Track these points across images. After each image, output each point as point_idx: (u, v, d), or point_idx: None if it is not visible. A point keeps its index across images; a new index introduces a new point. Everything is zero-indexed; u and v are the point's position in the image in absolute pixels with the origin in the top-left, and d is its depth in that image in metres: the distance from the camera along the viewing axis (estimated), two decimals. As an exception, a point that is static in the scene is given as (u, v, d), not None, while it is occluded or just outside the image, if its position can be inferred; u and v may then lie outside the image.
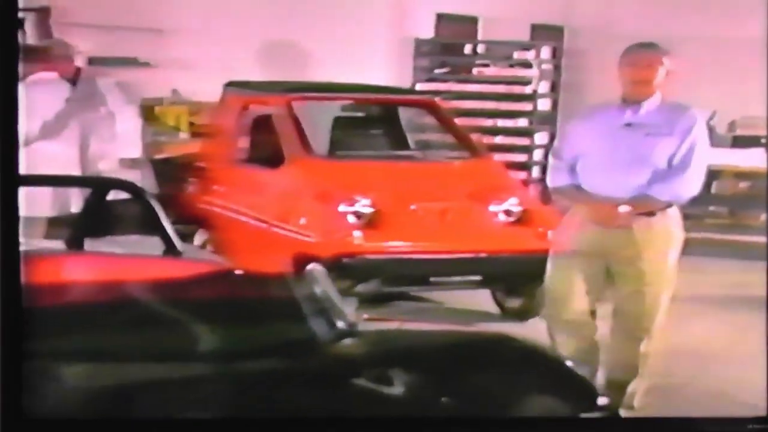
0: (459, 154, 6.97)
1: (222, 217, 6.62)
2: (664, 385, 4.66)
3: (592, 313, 4.27)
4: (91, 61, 7.01)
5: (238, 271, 3.52)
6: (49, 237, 5.08)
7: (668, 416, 3.53)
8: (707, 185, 8.77)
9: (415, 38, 10.30)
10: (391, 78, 9.39)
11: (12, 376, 2.42)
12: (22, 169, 5.96)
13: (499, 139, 9.77)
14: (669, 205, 4.15)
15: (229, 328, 2.99)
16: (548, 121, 10.23)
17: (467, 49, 10.55)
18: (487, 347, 3.26)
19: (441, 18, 10.54)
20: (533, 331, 4.47)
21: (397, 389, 2.87)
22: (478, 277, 6.24)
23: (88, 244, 3.63)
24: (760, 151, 9.02)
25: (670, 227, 4.18)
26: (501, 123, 10.06)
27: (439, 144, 7.77)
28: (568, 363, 3.36)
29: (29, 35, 8.60)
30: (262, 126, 6.76)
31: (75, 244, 3.65)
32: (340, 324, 3.05)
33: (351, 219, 6.03)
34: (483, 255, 6.12)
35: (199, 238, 6.64)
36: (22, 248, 3.43)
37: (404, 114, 7.64)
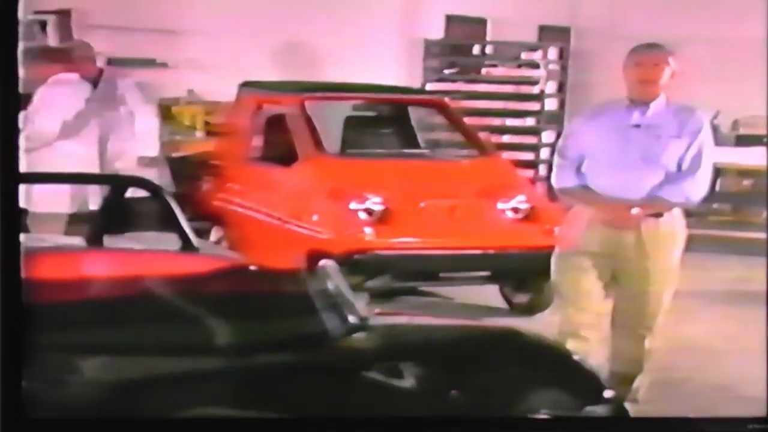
0: (468, 153, 6.97)
1: (237, 214, 6.62)
2: (667, 379, 4.65)
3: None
4: (111, 62, 7.04)
5: (252, 267, 3.53)
6: (69, 233, 5.09)
7: (668, 416, 3.50)
8: (712, 183, 8.78)
9: (425, 39, 10.29)
10: (402, 78, 9.38)
11: (12, 376, 2.39)
12: (44, 168, 6.00)
13: (507, 138, 9.76)
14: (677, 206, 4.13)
15: (243, 322, 3.00)
16: (555, 120, 10.20)
17: (476, 49, 10.54)
18: (495, 341, 3.26)
19: (450, 19, 10.52)
20: (541, 325, 4.47)
21: (407, 382, 2.87)
22: (486, 273, 6.24)
23: (107, 241, 3.64)
24: (763, 149, 8.98)
25: (675, 227, 4.16)
26: (509, 122, 10.05)
27: (449, 143, 7.77)
28: (575, 357, 3.36)
29: (51, 37, 8.64)
30: (275, 125, 6.76)
31: (94, 241, 3.66)
32: (352, 318, 3.06)
33: (362, 216, 6.03)
34: (491, 251, 6.11)
35: (214, 235, 6.65)
36: (42, 244, 3.44)
37: (414, 113, 7.63)
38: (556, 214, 5.91)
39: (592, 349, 4.03)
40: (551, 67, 10.30)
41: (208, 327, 2.96)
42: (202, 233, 5.82)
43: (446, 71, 10.38)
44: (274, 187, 6.52)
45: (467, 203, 6.23)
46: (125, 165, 5.84)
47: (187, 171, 6.89)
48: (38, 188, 5.53)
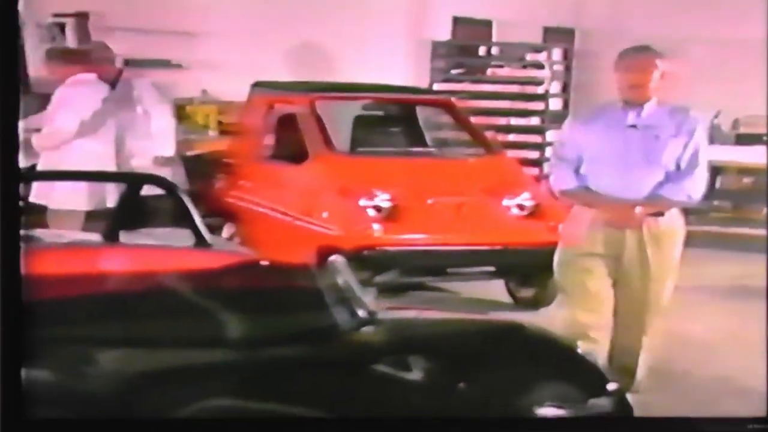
0: (474, 151, 6.95)
1: (249, 211, 6.63)
2: (668, 371, 4.64)
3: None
4: (127, 62, 7.04)
5: (264, 262, 3.54)
6: (86, 230, 5.10)
7: (669, 416, 3.49)
8: (712, 180, 8.75)
9: (433, 41, 10.28)
10: (410, 78, 9.37)
11: (12, 376, 2.38)
12: (62, 166, 6.00)
13: (512, 137, 9.74)
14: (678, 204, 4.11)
15: (255, 316, 3.00)
16: (559, 119, 10.13)
17: (482, 50, 10.53)
18: (500, 335, 3.26)
19: (457, 21, 10.51)
20: (545, 319, 4.46)
21: (415, 374, 2.87)
22: (492, 269, 6.23)
23: (124, 237, 3.65)
24: (762, 148, 8.95)
25: (675, 225, 4.14)
26: (514, 121, 10.04)
27: (456, 141, 7.75)
28: (579, 350, 3.36)
29: (69, 39, 8.66)
30: (286, 124, 6.77)
31: (111, 237, 3.67)
32: (361, 312, 3.06)
33: (371, 213, 6.03)
34: (497, 247, 6.11)
35: (227, 231, 6.66)
36: (62, 240, 3.45)
37: (422, 113, 7.62)
38: (561, 211, 5.89)
39: (601, 350, 4.00)
40: (555, 67, 10.28)
41: (220, 321, 2.96)
42: (215, 229, 5.82)
43: (453, 72, 10.37)
44: (285, 184, 6.52)
45: (474, 200, 6.22)
46: (141, 163, 5.84)
47: (201, 169, 6.90)
48: (58, 186, 5.55)
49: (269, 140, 6.92)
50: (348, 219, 6.05)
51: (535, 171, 9.33)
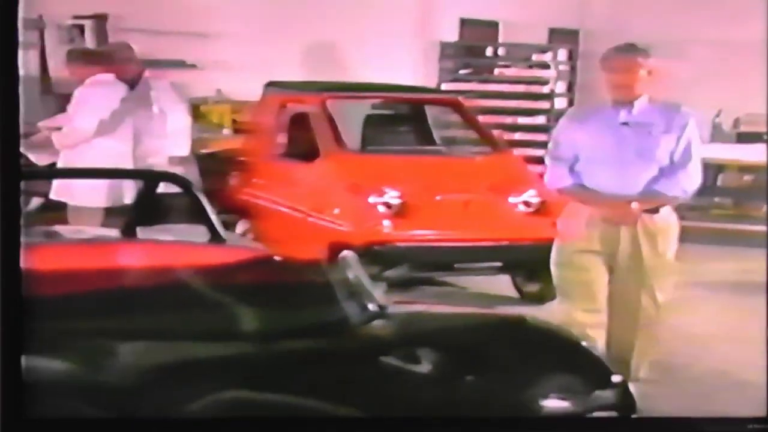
0: (481, 150, 6.95)
1: (262, 207, 6.64)
2: (669, 364, 4.63)
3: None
4: (143, 63, 7.05)
5: (276, 258, 3.54)
6: (105, 225, 5.12)
7: (669, 416, 3.47)
8: (713, 178, 8.73)
9: (441, 41, 10.27)
10: (419, 78, 9.36)
11: (12, 376, 2.36)
12: (82, 164, 6.00)
13: (518, 136, 9.70)
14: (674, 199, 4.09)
15: (268, 310, 3.01)
16: (565, 118, 10.16)
17: (489, 51, 10.51)
18: (507, 328, 3.26)
19: (464, 23, 10.50)
20: (551, 314, 4.45)
21: (423, 367, 2.88)
22: (498, 264, 6.22)
23: (141, 232, 3.66)
24: (763, 146, 8.92)
25: (669, 221, 4.12)
26: (520, 120, 10.02)
27: (463, 140, 7.74)
28: (583, 343, 3.35)
29: (88, 40, 8.68)
30: (299, 123, 6.77)
31: (129, 232, 3.68)
32: (371, 306, 3.06)
33: (381, 209, 6.03)
34: (504, 243, 6.11)
35: (241, 227, 6.66)
36: (82, 236, 3.46)
37: (431, 112, 7.61)
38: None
39: (599, 348, 3.98)
40: (561, 67, 10.26)
41: (234, 314, 2.97)
42: (229, 226, 5.84)
43: (461, 72, 10.36)
44: (297, 182, 6.52)
45: (481, 197, 6.22)
46: (158, 161, 5.85)
47: (215, 167, 6.91)
48: (77, 183, 5.56)
49: (282, 139, 6.92)
50: (358, 215, 6.05)
51: (540, 168, 9.31)
